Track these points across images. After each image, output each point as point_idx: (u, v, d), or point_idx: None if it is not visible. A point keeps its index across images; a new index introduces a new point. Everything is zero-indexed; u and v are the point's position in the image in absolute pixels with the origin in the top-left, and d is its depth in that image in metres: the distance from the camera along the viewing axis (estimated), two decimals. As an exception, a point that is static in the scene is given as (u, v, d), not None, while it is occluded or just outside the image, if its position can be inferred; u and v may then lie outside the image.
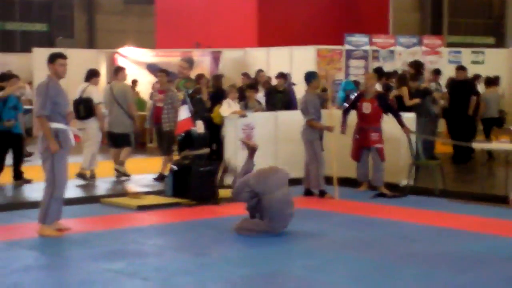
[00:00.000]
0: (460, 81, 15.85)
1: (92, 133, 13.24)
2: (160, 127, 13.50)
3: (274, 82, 16.56)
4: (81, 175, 13.08)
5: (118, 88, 13.66)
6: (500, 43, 32.85)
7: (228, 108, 13.41)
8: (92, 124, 13.22)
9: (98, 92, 13.34)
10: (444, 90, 16.88)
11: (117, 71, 14.08)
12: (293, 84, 16.51)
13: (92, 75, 13.48)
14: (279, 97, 14.66)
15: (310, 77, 12.20)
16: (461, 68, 16.28)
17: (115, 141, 13.69)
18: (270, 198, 8.98)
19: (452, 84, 16.23)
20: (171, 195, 11.49)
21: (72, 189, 10.38)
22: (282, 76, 15.37)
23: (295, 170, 12.87)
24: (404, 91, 13.89)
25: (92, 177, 13.31)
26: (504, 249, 8.07)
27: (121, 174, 13.54)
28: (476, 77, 18.93)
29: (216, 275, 7.39)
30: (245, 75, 17.66)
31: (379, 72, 15.95)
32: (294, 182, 12.68)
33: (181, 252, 8.49)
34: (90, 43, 31.33)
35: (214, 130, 13.56)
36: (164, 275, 7.38)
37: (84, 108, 13.03)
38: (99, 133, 13.38)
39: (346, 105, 12.75)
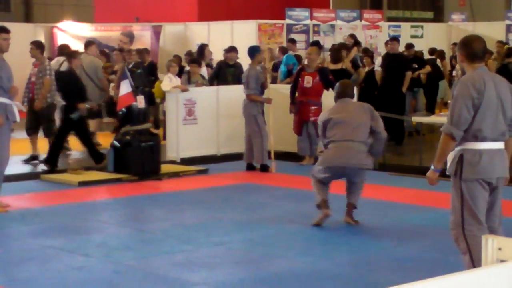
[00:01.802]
0: (393, 54, 15.19)
1: None
2: (33, 103, 12.37)
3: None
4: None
5: (89, 62, 13.97)
6: (438, 18, 33.24)
7: (169, 82, 13.34)
8: None
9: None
10: None
11: (87, 45, 14.48)
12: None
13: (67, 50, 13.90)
14: (231, 72, 14.51)
15: (253, 51, 12.19)
16: (393, 39, 15.62)
17: None
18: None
19: (385, 57, 15.46)
20: (113, 170, 11.40)
21: (11, 166, 10.24)
22: (233, 49, 15.25)
23: (236, 145, 12.94)
24: (347, 63, 14.03)
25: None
26: (442, 221, 8.20)
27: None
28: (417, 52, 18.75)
29: (157, 250, 7.39)
30: (145, 51, 17.23)
31: (317, 45, 15.94)
32: (236, 157, 12.75)
33: (122, 228, 8.46)
34: (27, 17, 30.75)
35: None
36: (105, 251, 7.34)
37: None
38: None
39: (288, 80, 12.77)
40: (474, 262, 5.59)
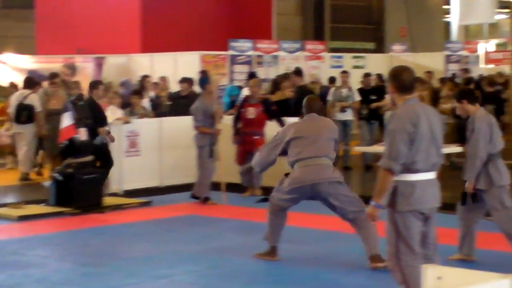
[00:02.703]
0: (299, 86, 15.23)
1: (29, 138, 13.92)
2: None
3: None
4: (25, 178, 13.85)
5: (56, 93, 14.00)
6: (380, 48, 33.67)
7: (111, 114, 13.23)
8: (30, 129, 13.88)
9: (38, 101, 13.89)
10: (357, 97, 15.73)
11: (52, 77, 14.45)
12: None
13: (35, 84, 14.37)
14: (183, 103, 14.34)
15: (203, 82, 12.17)
16: (293, 73, 15.46)
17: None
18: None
19: (294, 90, 15.39)
20: (55, 204, 11.23)
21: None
22: (185, 81, 15.16)
23: (180, 176, 12.90)
24: (287, 93, 14.06)
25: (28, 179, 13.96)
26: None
27: None
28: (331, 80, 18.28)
29: (101, 284, 7.29)
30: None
31: (252, 77, 15.80)
32: (180, 188, 12.70)
33: (64, 262, 8.32)
34: (-32, 49, 30.34)
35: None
36: (46, 287, 7.22)
37: (27, 114, 13.82)
38: (35, 138, 13.95)
39: (232, 111, 12.76)
40: None
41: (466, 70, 21.02)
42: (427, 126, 5.68)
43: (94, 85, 12.50)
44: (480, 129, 7.51)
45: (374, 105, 15.69)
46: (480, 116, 7.62)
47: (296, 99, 14.94)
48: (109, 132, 12.14)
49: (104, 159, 12.07)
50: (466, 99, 7.75)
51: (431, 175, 5.77)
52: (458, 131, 15.40)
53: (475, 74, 22.04)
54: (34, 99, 13.87)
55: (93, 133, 11.87)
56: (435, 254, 5.91)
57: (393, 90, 5.80)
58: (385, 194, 5.69)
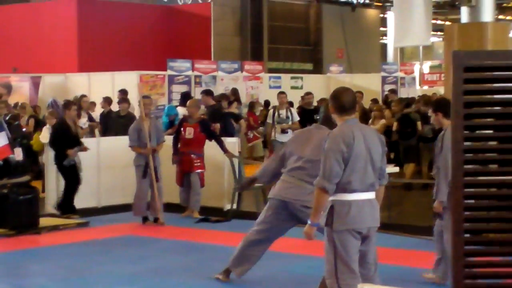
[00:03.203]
0: (209, 106, 15.15)
1: None
2: None
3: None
4: None
5: None
6: (317, 69, 34.01)
7: (48, 134, 13.07)
8: None
9: None
10: (296, 118, 15.49)
11: None
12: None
13: None
14: (121, 123, 14.16)
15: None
16: (202, 93, 15.40)
17: None
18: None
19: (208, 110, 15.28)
20: (-12, 225, 11.02)
21: None
22: (124, 101, 15.05)
23: (118, 197, 12.78)
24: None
25: None
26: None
27: None
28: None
29: (36, 307, 7.17)
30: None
31: (186, 96, 15.67)
32: (117, 208, 12.59)
33: (-2, 285, 8.17)
34: None
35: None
36: (-20, 310, 7.07)
37: None
38: None
39: (170, 131, 12.70)
40: None
41: (393, 91, 21.37)
42: (364, 146, 5.74)
43: (66, 105, 12.34)
44: (448, 148, 7.12)
45: None
46: (449, 134, 7.35)
47: (208, 119, 14.82)
48: (85, 148, 12.13)
49: (73, 179, 12.01)
50: (442, 111, 7.49)
51: (368, 195, 5.82)
52: (390, 150, 15.62)
53: (412, 95, 22.39)
54: None
55: (62, 155, 11.77)
56: (376, 274, 5.96)
57: (333, 110, 5.88)
58: (320, 212, 5.76)
